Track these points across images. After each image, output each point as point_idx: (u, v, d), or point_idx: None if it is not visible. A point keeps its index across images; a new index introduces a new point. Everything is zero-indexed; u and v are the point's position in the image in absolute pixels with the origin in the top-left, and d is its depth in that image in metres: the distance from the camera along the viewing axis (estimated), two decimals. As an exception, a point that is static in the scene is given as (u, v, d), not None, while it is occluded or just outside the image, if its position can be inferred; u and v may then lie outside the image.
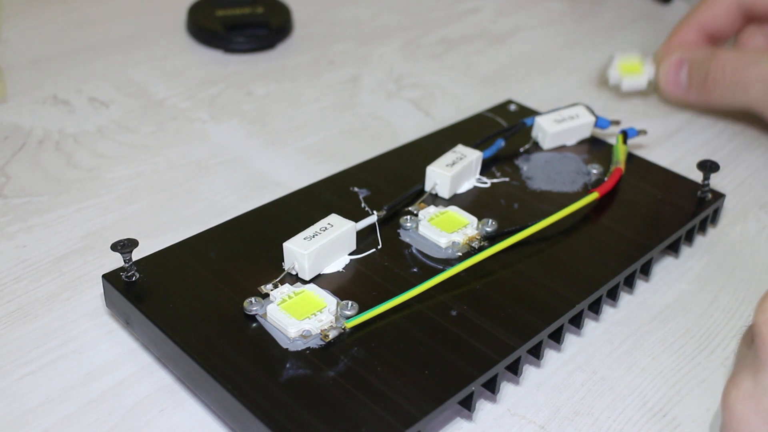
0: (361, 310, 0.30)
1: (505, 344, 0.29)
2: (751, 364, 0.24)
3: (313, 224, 0.32)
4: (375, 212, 0.35)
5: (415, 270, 0.33)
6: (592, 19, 0.62)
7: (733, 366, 0.26)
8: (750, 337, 0.25)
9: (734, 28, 0.49)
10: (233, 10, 0.55)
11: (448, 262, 0.33)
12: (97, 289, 0.34)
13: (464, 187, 0.38)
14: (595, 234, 0.35)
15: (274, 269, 0.32)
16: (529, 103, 0.48)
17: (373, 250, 0.34)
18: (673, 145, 0.46)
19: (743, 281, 0.37)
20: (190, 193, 0.41)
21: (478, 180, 0.38)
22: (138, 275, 0.31)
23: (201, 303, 0.30)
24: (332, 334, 0.29)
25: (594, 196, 0.36)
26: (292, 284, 0.31)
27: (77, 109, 0.47)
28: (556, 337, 0.31)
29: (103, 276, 0.31)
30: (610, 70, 0.48)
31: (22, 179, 0.41)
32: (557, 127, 0.41)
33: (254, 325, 0.30)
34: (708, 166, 0.37)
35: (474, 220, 0.35)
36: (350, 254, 0.33)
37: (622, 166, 0.39)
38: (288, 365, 0.28)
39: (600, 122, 0.42)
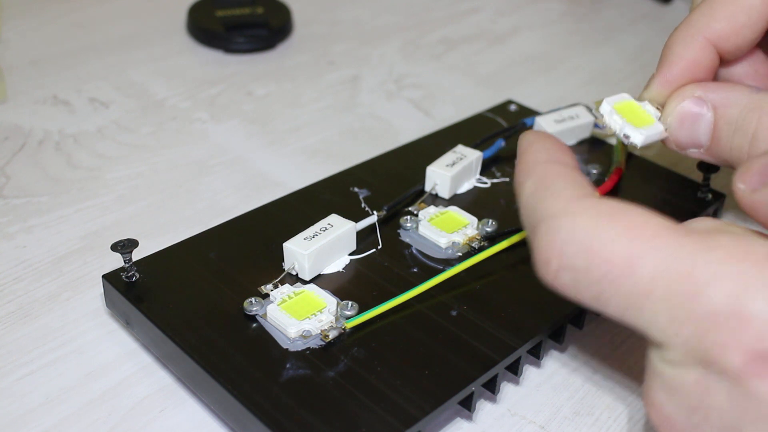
0: (361, 310, 0.30)
1: (505, 344, 0.29)
2: None
3: (313, 224, 0.32)
4: (375, 212, 0.35)
5: (415, 270, 0.33)
6: (592, 19, 0.62)
7: None
8: None
9: (754, 39, 0.31)
10: (233, 11, 0.55)
11: (448, 262, 0.33)
12: (97, 289, 0.34)
13: (464, 187, 0.38)
14: (595, 234, 0.35)
15: (274, 269, 0.32)
16: (529, 103, 0.48)
17: (373, 250, 0.34)
18: (673, 145, 0.46)
19: (743, 281, 0.37)
20: (190, 193, 0.41)
21: (478, 180, 0.38)
22: (138, 275, 0.31)
23: (201, 303, 0.30)
24: (332, 334, 0.29)
25: (594, 196, 0.36)
26: (292, 284, 0.31)
27: (77, 110, 0.47)
28: (557, 337, 0.31)
29: (103, 276, 0.31)
30: (610, 119, 0.32)
31: (22, 179, 0.41)
32: (557, 127, 0.41)
33: (254, 325, 0.30)
34: (708, 167, 0.37)
35: (474, 220, 0.35)
36: (350, 254, 0.33)
37: (622, 166, 0.39)
38: (288, 365, 0.28)
39: (600, 122, 0.42)
